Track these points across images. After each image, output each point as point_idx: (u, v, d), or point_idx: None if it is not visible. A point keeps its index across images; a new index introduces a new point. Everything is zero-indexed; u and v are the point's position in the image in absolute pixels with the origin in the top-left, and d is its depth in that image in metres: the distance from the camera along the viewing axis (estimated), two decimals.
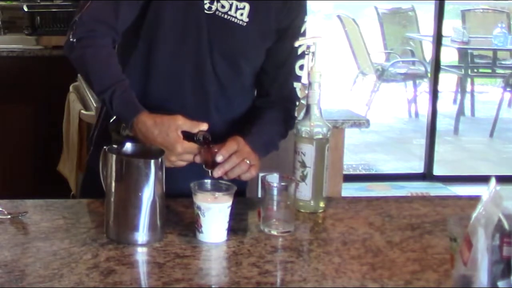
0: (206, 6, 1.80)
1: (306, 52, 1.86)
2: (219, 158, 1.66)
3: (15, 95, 3.97)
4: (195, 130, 1.67)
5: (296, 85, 1.94)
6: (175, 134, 1.65)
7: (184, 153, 1.66)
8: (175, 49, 1.81)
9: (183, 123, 1.66)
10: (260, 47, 1.88)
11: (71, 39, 1.75)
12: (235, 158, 1.68)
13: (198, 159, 1.68)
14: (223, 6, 1.81)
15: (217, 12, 1.81)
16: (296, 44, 1.88)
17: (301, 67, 1.94)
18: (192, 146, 1.66)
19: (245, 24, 1.82)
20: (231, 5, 1.81)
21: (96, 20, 1.76)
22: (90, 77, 1.77)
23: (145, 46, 1.82)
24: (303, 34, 1.91)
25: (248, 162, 1.70)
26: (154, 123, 1.67)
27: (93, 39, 1.75)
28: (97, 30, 1.76)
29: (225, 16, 1.81)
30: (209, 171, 1.67)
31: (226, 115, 1.89)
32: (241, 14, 1.82)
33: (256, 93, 1.96)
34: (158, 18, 1.80)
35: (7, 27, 4.56)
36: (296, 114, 1.96)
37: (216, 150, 1.67)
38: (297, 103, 1.97)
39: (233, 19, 1.82)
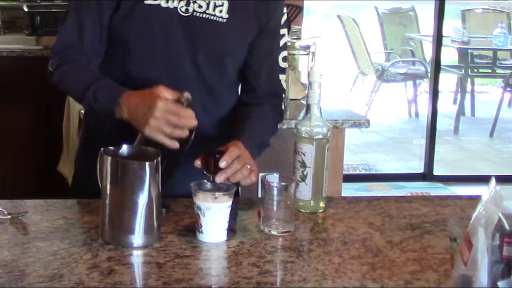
0: (182, 9, 1.81)
1: (296, 45, 1.86)
2: (222, 164, 1.65)
3: (15, 95, 3.97)
4: (176, 97, 1.66)
5: (282, 77, 1.95)
6: (156, 95, 1.65)
7: (167, 111, 1.62)
8: (149, 59, 1.83)
9: (164, 89, 1.66)
10: (243, 42, 1.89)
11: (50, 69, 1.85)
12: (237, 163, 1.67)
13: (199, 164, 1.68)
14: (200, 6, 1.82)
15: (194, 13, 1.81)
16: (282, 38, 1.88)
17: (284, 59, 1.95)
18: (175, 104, 1.64)
19: (225, 20, 1.83)
20: (208, 4, 1.82)
21: (66, 48, 1.86)
22: (71, 87, 1.85)
23: (120, 60, 1.85)
24: (284, 25, 1.92)
25: (249, 167, 1.70)
26: (138, 94, 1.68)
27: (67, 60, 1.84)
28: (69, 55, 1.84)
29: (204, 16, 1.82)
30: (210, 176, 1.66)
31: (214, 116, 1.90)
32: (220, 11, 1.83)
33: (243, 89, 1.97)
34: (125, 36, 1.83)
35: (7, 27, 4.56)
36: (283, 107, 1.98)
37: (218, 156, 1.66)
38: (284, 95, 1.98)
39: (212, 17, 1.82)
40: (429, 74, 6.33)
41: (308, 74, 1.79)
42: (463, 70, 7.59)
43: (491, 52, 7.50)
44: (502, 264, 1.24)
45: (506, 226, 1.23)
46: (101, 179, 1.55)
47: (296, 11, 3.56)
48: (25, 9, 4.43)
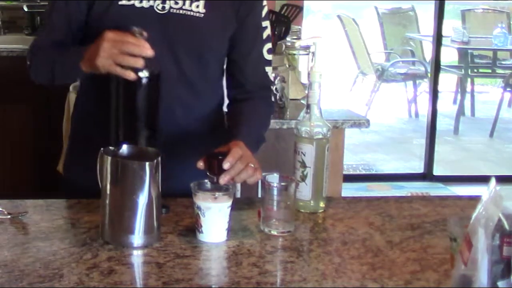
0: (159, 7, 1.81)
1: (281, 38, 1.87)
2: (226, 166, 1.65)
3: (15, 95, 3.97)
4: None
5: (268, 69, 1.96)
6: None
7: (114, 39, 1.62)
8: None
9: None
10: (222, 36, 1.89)
11: (28, 63, 1.88)
12: (240, 164, 1.67)
13: (202, 166, 1.68)
14: (176, 3, 1.83)
15: (171, 10, 1.82)
16: (265, 31, 1.91)
17: (269, 51, 1.96)
18: (123, 32, 1.63)
19: (202, 15, 1.84)
20: (184, 0, 1.83)
21: (40, 46, 1.88)
22: (43, 66, 1.84)
23: None
24: (266, 18, 1.93)
25: (252, 166, 1.70)
26: (94, 43, 1.68)
27: (39, 52, 1.87)
28: (41, 48, 1.87)
29: (181, 12, 1.83)
30: (214, 178, 1.66)
31: (196, 112, 1.90)
32: (197, 6, 1.83)
33: (231, 85, 1.98)
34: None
35: (7, 27, 4.56)
36: (273, 99, 1.98)
37: (221, 157, 1.66)
38: (272, 87, 1.99)
39: (189, 13, 1.83)
40: (429, 74, 6.33)
41: (308, 74, 1.79)
42: (463, 70, 7.60)
43: (491, 52, 7.50)
44: (502, 264, 1.24)
45: (506, 226, 1.23)
46: (101, 179, 1.55)
47: (296, 11, 3.55)
48: (25, 9, 4.44)
